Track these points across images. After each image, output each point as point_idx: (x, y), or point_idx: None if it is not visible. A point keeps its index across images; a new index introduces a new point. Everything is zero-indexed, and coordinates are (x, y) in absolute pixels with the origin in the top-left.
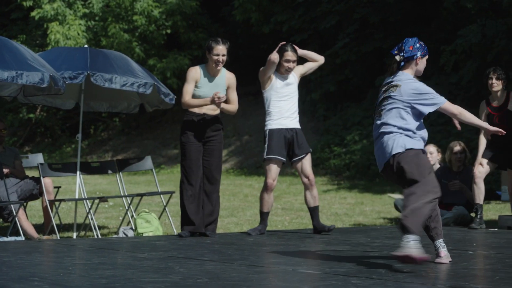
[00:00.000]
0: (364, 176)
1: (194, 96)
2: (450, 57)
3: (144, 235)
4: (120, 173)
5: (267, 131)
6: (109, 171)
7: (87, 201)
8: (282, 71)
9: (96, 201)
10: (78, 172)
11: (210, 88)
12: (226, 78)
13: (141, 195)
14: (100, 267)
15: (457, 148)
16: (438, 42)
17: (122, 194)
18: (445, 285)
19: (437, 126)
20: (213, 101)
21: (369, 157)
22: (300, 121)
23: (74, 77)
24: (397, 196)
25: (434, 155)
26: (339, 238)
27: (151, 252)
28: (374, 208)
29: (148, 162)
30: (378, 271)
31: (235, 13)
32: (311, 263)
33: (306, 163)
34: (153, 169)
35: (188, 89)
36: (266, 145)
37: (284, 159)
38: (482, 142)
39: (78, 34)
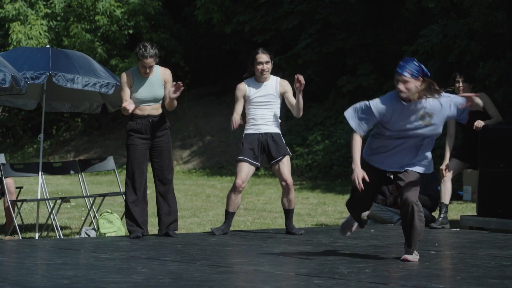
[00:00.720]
0: (326, 176)
1: (134, 100)
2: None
3: (106, 235)
4: (82, 173)
5: (243, 136)
6: (71, 172)
7: (49, 201)
8: (258, 76)
9: (58, 201)
10: (40, 173)
11: (145, 90)
12: (160, 74)
13: (103, 195)
14: (62, 267)
15: None
16: (399, 43)
17: (84, 195)
18: (407, 285)
19: None
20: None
21: (331, 157)
22: None
23: (36, 77)
24: None
25: None
26: (301, 238)
27: (114, 252)
28: (336, 208)
29: (110, 162)
30: (341, 272)
31: (197, 13)
32: (273, 263)
33: (284, 166)
34: (116, 169)
35: (124, 96)
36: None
37: (256, 163)
38: (449, 143)
39: (40, 34)
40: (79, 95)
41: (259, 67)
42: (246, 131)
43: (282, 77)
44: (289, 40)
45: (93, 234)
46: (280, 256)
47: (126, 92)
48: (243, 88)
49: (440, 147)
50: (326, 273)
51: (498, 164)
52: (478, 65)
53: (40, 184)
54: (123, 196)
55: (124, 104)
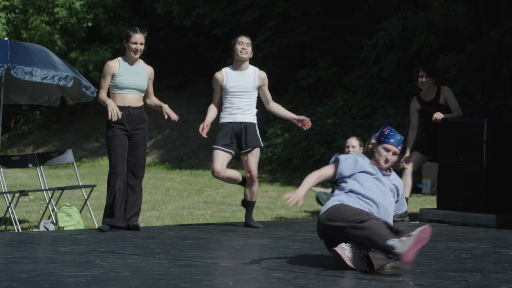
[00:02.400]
0: (286, 169)
1: (116, 85)
2: (371, 51)
3: (65, 229)
4: (41, 166)
5: (219, 125)
6: (30, 165)
7: (7, 194)
8: (236, 61)
9: (17, 194)
10: None
11: (130, 76)
12: (146, 68)
13: (62, 188)
14: (20, 261)
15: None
16: (359, 36)
17: (43, 188)
18: (365, 278)
19: (357, 119)
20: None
21: (291, 151)
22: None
23: None
24: (319, 189)
25: (356, 148)
26: (260, 231)
27: (72, 246)
28: None
29: (69, 155)
30: (300, 265)
31: (157, 6)
32: (232, 256)
33: (251, 158)
34: (74, 163)
35: (103, 84)
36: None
37: (230, 151)
38: (411, 136)
39: None
40: (38, 88)
41: (239, 46)
42: (222, 120)
43: None
44: (249, 33)
45: (51, 227)
46: (239, 249)
47: (106, 81)
48: (220, 77)
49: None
50: (286, 266)
51: (458, 157)
52: (438, 58)
53: None
54: (82, 189)
55: (104, 99)
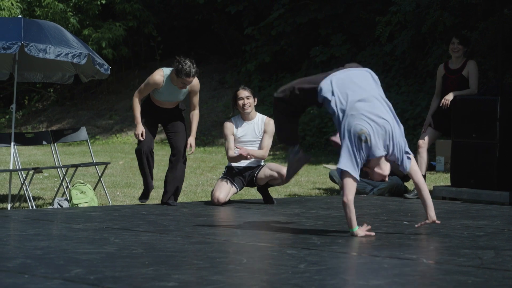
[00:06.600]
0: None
1: (154, 95)
2: (385, 28)
3: (79, 206)
4: (55, 144)
5: (225, 168)
6: (44, 142)
7: (22, 172)
8: (242, 114)
9: (31, 172)
10: (12, 143)
11: (169, 93)
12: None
13: (76, 165)
14: (35, 238)
15: None
16: (373, 13)
17: (57, 165)
18: (380, 255)
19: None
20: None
21: (305, 128)
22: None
23: (8, 47)
24: (332, 166)
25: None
26: (274, 208)
27: (86, 223)
28: (309, 178)
29: (83, 132)
30: (313, 242)
31: None
32: (246, 233)
33: (271, 167)
34: (88, 140)
35: (143, 92)
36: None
37: (236, 186)
38: (434, 103)
39: (12, 5)
40: (52, 65)
41: (240, 102)
42: (229, 164)
43: (255, 47)
44: (262, 11)
45: (65, 204)
46: (253, 226)
47: (148, 90)
48: (231, 126)
49: (413, 118)
50: (299, 244)
51: (471, 134)
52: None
53: (12, 155)
54: (96, 166)
55: (135, 115)
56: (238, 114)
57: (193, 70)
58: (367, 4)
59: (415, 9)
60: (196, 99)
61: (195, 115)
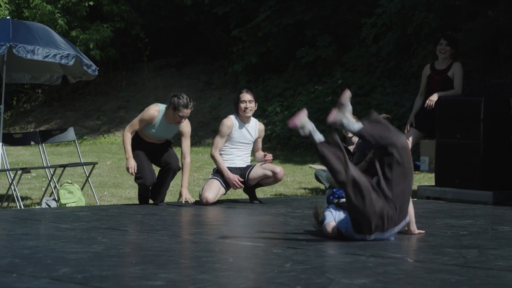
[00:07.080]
0: (285, 147)
1: (146, 132)
2: (371, 30)
3: (67, 205)
4: (43, 144)
5: (214, 169)
6: (32, 142)
7: (10, 172)
8: (241, 116)
9: (19, 172)
10: (0, 143)
11: (162, 130)
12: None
13: (64, 166)
14: (23, 237)
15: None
16: (359, 14)
17: (45, 165)
18: (365, 254)
19: (356, 97)
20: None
21: (290, 129)
22: (222, 93)
23: None
24: (318, 166)
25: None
26: (260, 208)
27: (74, 222)
28: (295, 178)
29: (70, 133)
30: (299, 241)
31: None
32: (232, 233)
33: (263, 166)
34: (76, 140)
35: (135, 126)
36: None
37: (225, 187)
38: (417, 102)
39: (0, 6)
40: (40, 66)
41: (242, 105)
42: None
43: (242, 49)
44: (249, 12)
45: (53, 204)
46: (239, 226)
47: (140, 124)
48: (231, 125)
49: (397, 118)
50: (285, 243)
51: (455, 134)
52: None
53: (1, 155)
54: (83, 166)
55: (126, 149)
56: (236, 115)
57: (190, 102)
58: (353, 6)
59: (400, 11)
60: (187, 144)
61: (186, 165)
